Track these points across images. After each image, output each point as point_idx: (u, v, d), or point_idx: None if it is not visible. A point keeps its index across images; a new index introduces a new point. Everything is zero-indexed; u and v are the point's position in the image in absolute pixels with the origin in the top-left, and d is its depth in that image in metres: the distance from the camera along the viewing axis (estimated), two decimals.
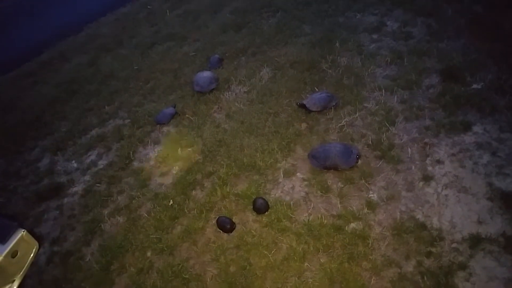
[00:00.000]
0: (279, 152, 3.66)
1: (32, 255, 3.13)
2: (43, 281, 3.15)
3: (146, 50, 5.96)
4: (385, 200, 2.98)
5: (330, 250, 2.75)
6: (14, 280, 2.99)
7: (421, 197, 2.90)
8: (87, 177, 3.98)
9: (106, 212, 3.55)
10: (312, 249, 2.79)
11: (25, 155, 4.51)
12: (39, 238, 3.24)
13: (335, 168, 3.34)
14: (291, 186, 3.35)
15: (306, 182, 3.34)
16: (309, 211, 3.08)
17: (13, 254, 2.95)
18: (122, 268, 3.10)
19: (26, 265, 3.07)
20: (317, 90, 4.21)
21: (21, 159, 4.46)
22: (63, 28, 7.31)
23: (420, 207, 2.83)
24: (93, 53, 6.39)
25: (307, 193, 3.24)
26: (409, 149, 3.28)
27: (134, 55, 5.94)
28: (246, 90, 4.60)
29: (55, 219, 3.65)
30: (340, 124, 3.75)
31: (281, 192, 3.31)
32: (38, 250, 3.18)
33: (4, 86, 6.13)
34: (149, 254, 3.14)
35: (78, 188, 3.89)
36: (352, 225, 2.89)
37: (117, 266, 3.12)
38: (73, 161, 4.24)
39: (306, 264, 2.74)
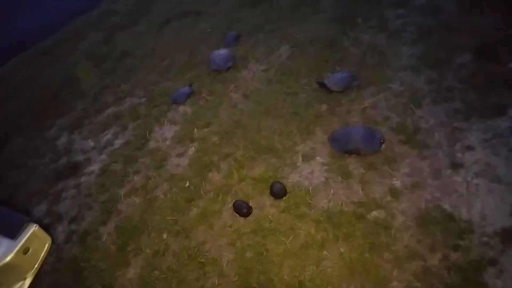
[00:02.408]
0: (297, 135, 3.52)
1: (44, 251, 3.05)
2: (62, 259, 3.17)
3: (162, 27, 5.82)
4: (409, 187, 2.83)
5: (350, 239, 2.64)
6: (26, 278, 2.90)
7: (449, 186, 2.73)
8: (103, 156, 3.95)
9: (122, 192, 3.53)
10: (331, 237, 2.68)
11: (44, 133, 4.51)
12: (51, 231, 3.20)
13: (357, 152, 3.19)
14: (310, 170, 3.22)
15: (326, 167, 3.20)
16: (329, 198, 2.96)
17: (24, 250, 2.85)
18: (138, 249, 3.08)
19: (38, 262, 2.98)
20: (338, 69, 4.01)
21: (40, 137, 4.47)
22: (78, 5, 7.21)
23: (447, 197, 2.67)
24: (108, 31, 6.29)
25: (326, 178, 3.11)
26: (436, 133, 3.09)
27: (150, 32, 5.81)
28: (263, 68, 4.43)
29: (73, 198, 3.66)
30: (363, 106, 3.57)
31: (300, 176, 3.19)
32: (51, 245, 3.12)
33: (22, 64, 6.12)
34: (165, 236, 3.10)
35: (95, 167, 3.87)
36: (374, 213, 2.76)
37: (133, 247, 3.10)
38: (90, 140, 4.22)
39: (324, 252, 2.64)
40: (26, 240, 2.86)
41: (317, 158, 3.30)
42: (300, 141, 3.47)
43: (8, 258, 2.75)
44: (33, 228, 2.95)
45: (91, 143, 4.17)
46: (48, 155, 4.18)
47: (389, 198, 2.82)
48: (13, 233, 2.84)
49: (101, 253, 3.13)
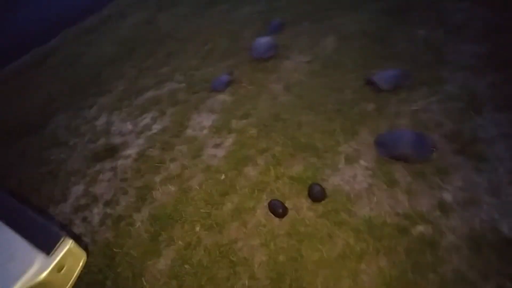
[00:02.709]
0: (341, 134, 3.33)
1: (79, 268, 2.87)
2: (96, 242, 3.18)
3: (206, 9, 5.69)
4: (462, 203, 2.59)
5: (392, 254, 2.45)
6: None
7: (509, 206, 2.47)
8: (140, 141, 3.93)
9: (158, 179, 3.48)
10: (371, 249, 2.51)
11: (84, 112, 4.55)
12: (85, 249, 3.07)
13: (405, 159, 2.96)
14: (352, 174, 3.04)
15: (369, 172, 3.00)
16: (371, 206, 2.77)
17: (59, 268, 2.69)
18: (170, 240, 3.03)
19: (72, 280, 2.81)
20: (388, 65, 3.75)
21: (81, 116, 4.51)
22: None
23: (507, 219, 2.42)
24: (152, 11, 6.23)
25: (370, 185, 2.91)
26: (497, 145, 2.81)
27: (193, 14, 5.71)
28: (307, 60, 4.23)
29: (109, 181, 3.65)
30: (414, 108, 3.31)
31: (341, 180, 3.02)
32: (86, 261, 2.97)
33: (67, 42, 6.20)
34: (197, 229, 3.04)
35: (132, 151, 3.85)
36: (420, 228, 2.55)
37: (165, 237, 3.05)
38: (128, 123, 4.20)
39: (363, 265, 2.47)
40: (61, 257, 2.69)
41: (361, 161, 3.11)
42: (343, 141, 3.28)
43: (43, 276, 2.58)
44: (69, 244, 2.78)
45: (129, 126, 4.16)
46: (87, 135, 4.21)
47: (437, 213, 2.60)
48: (48, 248, 2.68)
49: (133, 240, 3.11)
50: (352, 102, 3.58)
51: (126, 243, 3.11)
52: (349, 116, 3.45)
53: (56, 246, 2.70)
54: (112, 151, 3.89)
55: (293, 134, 3.45)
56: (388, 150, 3.05)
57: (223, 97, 4.14)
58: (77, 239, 3.19)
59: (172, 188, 3.40)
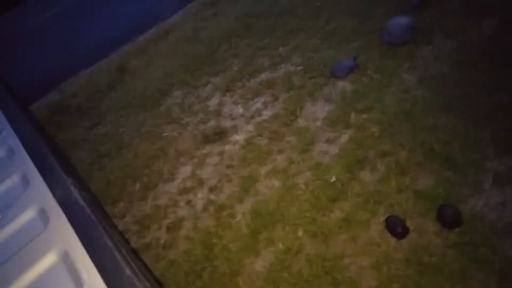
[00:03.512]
0: (491, 146, 2.66)
1: None
2: (197, 228, 3.12)
3: None
4: None
5: None
6: None
7: None
8: (250, 127, 3.74)
9: (263, 172, 3.26)
10: None
11: (198, 91, 4.53)
12: None
13: None
14: (502, 200, 2.39)
15: None
16: None
17: None
18: (270, 240, 2.80)
19: None
20: None
21: (195, 94, 4.50)
22: None
23: None
24: None
25: None
26: None
27: None
28: (455, 47, 3.51)
29: (215, 166, 3.55)
30: None
31: (484, 205, 2.40)
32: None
33: (186, 17, 6.28)
34: (300, 233, 2.74)
35: (240, 137, 3.69)
36: None
37: (265, 236, 2.83)
38: (239, 106, 4.05)
39: None
40: None
41: None
42: (494, 155, 2.61)
43: None
44: None
45: (240, 109, 4.00)
46: (199, 114, 4.17)
47: None
48: None
49: (233, 233, 2.96)
50: (510, 106, 2.83)
51: (226, 235, 2.97)
52: (504, 124, 2.75)
53: None
54: (221, 135, 3.77)
55: (425, 138, 2.88)
56: None
57: (343, 84, 3.70)
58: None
59: (276, 183, 3.14)
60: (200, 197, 3.35)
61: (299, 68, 4.13)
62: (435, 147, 2.80)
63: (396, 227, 2.48)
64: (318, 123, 3.46)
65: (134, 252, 2.57)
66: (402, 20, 3.75)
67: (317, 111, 3.57)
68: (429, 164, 2.74)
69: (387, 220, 2.54)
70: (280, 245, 2.74)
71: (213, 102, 4.28)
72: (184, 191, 3.44)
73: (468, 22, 3.57)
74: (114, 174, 3.90)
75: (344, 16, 4.52)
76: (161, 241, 3.13)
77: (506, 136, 2.65)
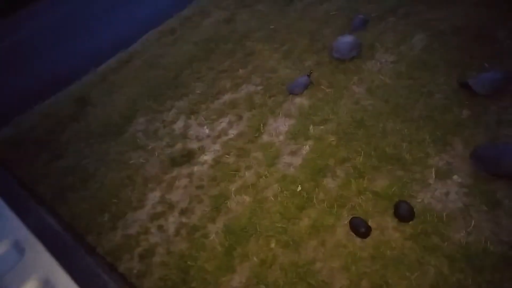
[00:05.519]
0: (431, 145, 3.03)
1: None
2: (171, 253, 3.17)
3: (285, 6, 5.56)
4: None
5: None
6: None
7: None
8: (217, 146, 3.93)
9: (233, 189, 3.44)
10: (470, 283, 2.24)
11: (163, 116, 4.66)
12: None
13: (509, 176, 2.61)
14: (444, 191, 2.75)
15: (465, 190, 2.70)
16: (468, 230, 2.48)
17: None
18: (244, 255, 2.94)
19: None
20: (487, 66, 3.35)
21: (160, 119, 4.62)
22: None
23: None
24: (232, 9, 6.25)
25: (466, 205, 2.61)
26: None
27: (272, 12, 5.60)
28: (393, 60, 3.93)
29: (185, 188, 3.67)
30: None
31: (431, 197, 2.74)
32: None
33: (148, 43, 6.45)
34: (273, 245, 2.93)
35: (208, 157, 3.86)
36: None
37: (240, 252, 2.97)
38: (205, 127, 4.23)
39: None
40: None
41: (454, 177, 2.80)
42: (434, 153, 2.98)
43: None
44: None
45: (206, 130, 4.18)
46: (165, 139, 4.28)
47: None
48: None
49: (208, 253, 3.06)
50: (444, 108, 3.25)
51: (200, 256, 3.06)
52: (440, 124, 3.14)
53: None
54: (188, 157, 3.91)
55: (377, 143, 3.22)
56: (487, 165, 2.71)
57: (301, 100, 4.01)
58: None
59: (247, 198, 3.33)
60: (172, 221, 3.42)
61: (259, 87, 4.41)
62: (386, 150, 3.13)
63: (359, 228, 2.73)
64: (281, 137, 3.73)
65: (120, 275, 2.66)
66: (348, 39, 4.14)
67: (279, 127, 3.84)
68: (383, 166, 3.06)
69: (351, 222, 2.79)
70: (255, 259, 2.89)
71: (179, 125, 4.42)
72: (154, 216, 3.49)
73: (402, 38, 4.01)
74: (80, 207, 3.81)
75: (296, 37, 4.89)
76: (135, 271, 3.12)
77: (442, 135, 3.03)
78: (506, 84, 3.15)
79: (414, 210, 2.68)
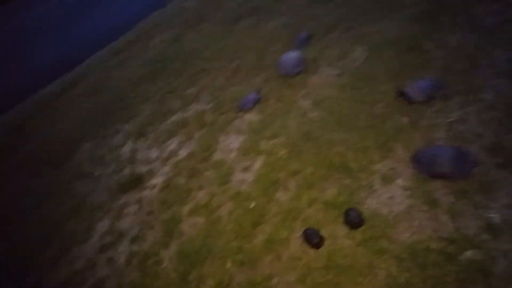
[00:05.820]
0: (375, 152, 3.19)
1: None
2: (122, 285, 3.07)
3: (231, 25, 5.68)
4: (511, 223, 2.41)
5: (440, 285, 2.31)
6: None
7: None
8: (167, 168, 3.89)
9: (185, 211, 3.41)
10: (417, 280, 2.36)
11: (109, 140, 4.54)
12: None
13: (444, 176, 2.81)
14: (389, 195, 2.90)
15: (408, 192, 2.86)
16: (412, 230, 2.63)
17: None
18: (200, 279, 2.92)
19: None
20: (420, 75, 3.60)
21: (106, 145, 4.50)
22: (151, 1, 7.29)
23: None
24: (178, 29, 6.29)
25: (409, 206, 2.77)
26: None
27: (218, 31, 5.70)
28: (336, 73, 4.12)
29: (135, 214, 3.59)
30: (450, 120, 3.14)
31: (378, 202, 2.88)
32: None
33: (92, 67, 6.31)
34: (229, 265, 2.93)
35: (157, 180, 3.81)
36: (468, 253, 2.38)
37: (195, 275, 2.95)
38: (154, 149, 4.18)
39: None
40: None
41: (398, 180, 2.96)
42: (378, 159, 3.15)
43: None
44: None
45: (155, 152, 4.12)
46: (112, 164, 4.18)
47: (486, 235, 2.43)
48: None
49: (162, 281, 3.00)
50: (384, 116, 3.45)
51: (154, 285, 3.00)
52: (382, 131, 3.32)
53: None
54: (137, 181, 3.82)
55: (325, 153, 3.35)
56: (425, 167, 2.89)
57: (251, 116, 4.09)
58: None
59: (200, 219, 3.31)
60: (122, 250, 3.33)
61: (209, 106, 4.45)
62: (334, 159, 3.26)
63: (312, 239, 2.79)
64: (233, 154, 3.77)
65: None
66: (292, 55, 4.30)
67: (231, 144, 3.89)
68: (331, 175, 3.17)
69: (304, 233, 2.85)
70: (211, 281, 2.87)
71: (126, 149, 4.32)
72: (103, 248, 3.37)
73: (344, 52, 4.23)
74: (18, 245, 3.63)
75: (244, 55, 5.01)
76: None
77: (385, 141, 3.21)
78: (437, 90, 3.40)
79: (363, 216, 2.80)
